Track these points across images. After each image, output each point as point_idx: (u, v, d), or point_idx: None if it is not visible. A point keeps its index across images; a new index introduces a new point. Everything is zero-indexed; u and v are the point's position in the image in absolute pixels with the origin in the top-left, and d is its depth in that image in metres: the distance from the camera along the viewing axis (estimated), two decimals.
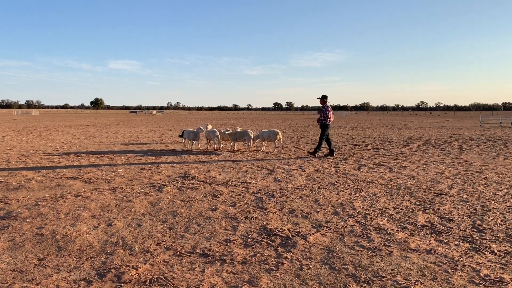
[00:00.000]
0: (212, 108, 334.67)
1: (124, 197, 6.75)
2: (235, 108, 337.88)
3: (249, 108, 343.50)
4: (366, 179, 8.37)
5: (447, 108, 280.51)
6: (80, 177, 8.51)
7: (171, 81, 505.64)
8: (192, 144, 14.28)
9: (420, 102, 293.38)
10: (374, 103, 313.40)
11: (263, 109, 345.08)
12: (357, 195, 6.91)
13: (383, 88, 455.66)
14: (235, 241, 4.64)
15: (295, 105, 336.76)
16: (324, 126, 12.25)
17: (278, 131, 13.48)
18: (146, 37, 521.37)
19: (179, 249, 4.42)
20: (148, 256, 4.24)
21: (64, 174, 8.91)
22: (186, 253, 4.30)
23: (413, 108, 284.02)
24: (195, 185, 7.77)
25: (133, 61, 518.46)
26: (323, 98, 12.43)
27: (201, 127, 13.81)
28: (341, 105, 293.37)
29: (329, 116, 12.32)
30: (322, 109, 12.34)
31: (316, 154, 12.33)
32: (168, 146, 15.42)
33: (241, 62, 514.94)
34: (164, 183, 7.92)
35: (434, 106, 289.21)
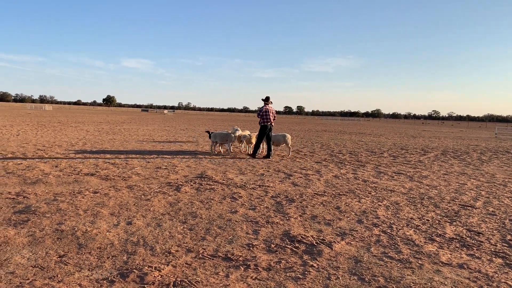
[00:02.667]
0: (222, 110, 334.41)
1: (142, 196, 6.66)
2: (245, 110, 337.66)
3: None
4: (387, 187, 8.19)
5: (459, 118, 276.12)
6: (97, 174, 8.46)
7: (182, 81, 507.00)
8: (221, 147, 13.75)
9: (433, 111, 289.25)
10: (385, 110, 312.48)
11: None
12: (380, 203, 6.74)
13: (395, 95, 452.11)
14: (258, 246, 4.52)
15: (306, 110, 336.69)
16: (261, 127, 12.74)
17: (288, 134, 13.29)
18: (159, 36, 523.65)
19: (201, 251, 4.31)
20: (170, 257, 4.14)
21: (81, 170, 8.87)
22: (208, 256, 4.19)
23: (425, 117, 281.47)
24: (212, 186, 7.66)
25: (146, 60, 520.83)
26: (265, 100, 12.91)
27: (236, 128, 13.66)
28: (352, 111, 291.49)
29: (266, 117, 12.62)
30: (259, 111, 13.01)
31: (256, 155, 12.78)
32: (182, 146, 15.36)
33: (252, 65, 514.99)
34: (181, 183, 7.82)
35: (447, 115, 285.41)
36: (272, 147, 13.26)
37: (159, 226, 5.12)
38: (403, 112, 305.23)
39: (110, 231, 4.86)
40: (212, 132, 13.11)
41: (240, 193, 7.11)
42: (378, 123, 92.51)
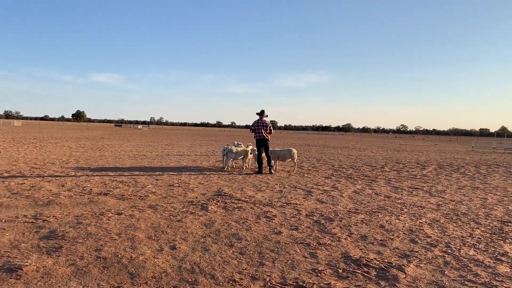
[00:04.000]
0: (195, 124, 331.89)
1: (171, 216, 6.23)
2: (219, 125, 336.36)
3: (233, 125, 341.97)
4: (414, 203, 7.98)
5: (426, 132, 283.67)
6: (110, 193, 7.95)
7: (154, 96, 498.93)
8: (232, 162, 13.31)
9: (401, 125, 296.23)
10: (355, 124, 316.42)
11: (247, 126, 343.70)
12: (419, 221, 6.51)
13: (365, 110, 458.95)
14: (325, 271, 4.18)
15: (279, 124, 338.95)
16: (255, 142, 12.53)
17: (293, 149, 13.08)
18: (130, 51, 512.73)
19: (267, 279, 3.94)
20: (237, 286, 3.75)
21: (91, 189, 8.33)
22: (279, 284, 3.82)
23: (393, 131, 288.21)
24: (238, 204, 7.28)
25: (116, 74, 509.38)
26: (260, 114, 12.74)
27: (239, 143, 13.42)
28: (324, 125, 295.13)
29: (258, 131, 12.42)
30: None
31: (263, 171, 12.45)
32: (180, 162, 14.86)
33: (225, 79, 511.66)
34: (204, 202, 7.41)
35: (414, 129, 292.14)
36: (274, 162, 12.97)
37: (207, 250, 4.72)
38: (372, 126, 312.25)
39: (157, 257, 4.43)
40: (228, 148, 12.76)
41: (272, 212, 6.75)
42: (352, 137, 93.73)
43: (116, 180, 9.60)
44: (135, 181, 9.63)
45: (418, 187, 10.38)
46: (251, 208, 7.04)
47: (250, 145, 13.80)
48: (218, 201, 7.57)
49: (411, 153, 26.99)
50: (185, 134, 60.16)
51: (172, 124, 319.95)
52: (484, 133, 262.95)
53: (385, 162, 18.12)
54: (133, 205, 6.94)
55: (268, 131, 12.56)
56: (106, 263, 4.21)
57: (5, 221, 5.69)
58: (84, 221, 5.76)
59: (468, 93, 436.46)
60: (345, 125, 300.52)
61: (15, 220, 5.76)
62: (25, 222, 5.67)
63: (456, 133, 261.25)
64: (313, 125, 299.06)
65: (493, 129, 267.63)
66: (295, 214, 6.66)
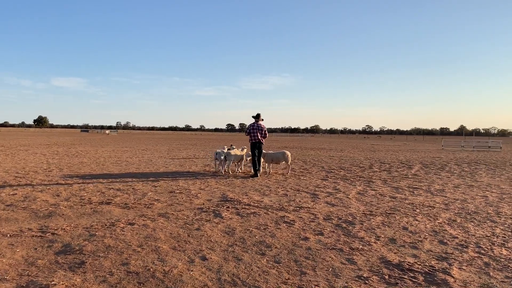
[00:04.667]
0: (164, 129, 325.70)
1: (187, 225, 5.94)
2: (187, 128, 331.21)
3: (202, 129, 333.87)
4: (423, 204, 7.97)
5: (391, 132, 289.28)
6: (112, 202, 7.56)
7: (119, 100, 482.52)
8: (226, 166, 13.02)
9: (366, 125, 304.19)
10: (323, 126, 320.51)
11: (216, 130, 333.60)
12: (437, 221, 6.47)
13: (331, 111, 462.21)
14: (371, 278, 4.03)
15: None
16: (250, 145, 12.43)
17: (287, 152, 12.95)
18: (91, 54, 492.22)
19: None
20: None
21: (90, 198, 7.91)
22: None
23: (359, 132, 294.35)
24: (251, 210, 7.06)
25: (78, 78, 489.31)
26: (256, 117, 12.63)
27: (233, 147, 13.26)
28: (293, 127, 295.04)
29: (253, 135, 12.31)
30: None
31: (259, 174, 12.18)
32: (167, 167, 14.46)
33: (191, 83, 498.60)
34: (214, 208, 7.15)
35: (379, 129, 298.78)
36: (268, 165, 12.84)
37: (240, 260, 4.49)
38: (339, 127, 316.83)
39: (191, 269, 4.17)
40: (227, 152, 12.54)
41: (288, 217, 6.57)
42: (323, 138, 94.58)
43: (112, 188, 9.18)
44: (132, 188, 9.23)
45: (417, 186, 10.44)
46: (265, 213, 6.83)
47: (245, 148, 13.57)
48: (228, 207, 7.32)
49: (387, 153, 27.37)
50: (157, 138, 59.13)
51: (140, 128, 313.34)
52: (444, 132, 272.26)
53: (370, 163, 18.25)
54: (141, 214, 6.61)
55: (263, 135, 12.38)
56: (139, 278, 3.92)
57: (10, 235, 5.27)
58: (97, 233, 5.41)
59: (427, 93, 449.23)
60: (313, 126, 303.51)
61: (20, 234, 5.35)
62: (33, 236, 5.27)
63: (418, 132, 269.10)
64: (281, 127, 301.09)
65: (452, 128, 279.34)
66: (312, 219, 6.50)
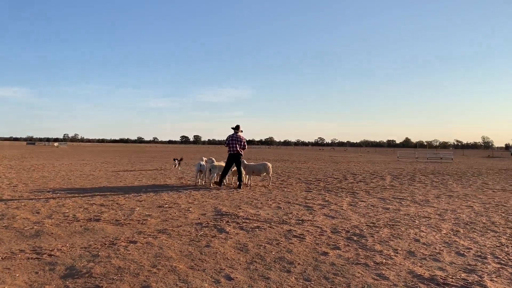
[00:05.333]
0: (115, 141, 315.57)
1: (194, 242, 5.59)
2: (140, 140, 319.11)
3: (155, 141, 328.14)
4: (418, 214, 8.01)
5: (342, 144, 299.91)
6: (102, 219, 7.04)
7: (66, 111, 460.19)
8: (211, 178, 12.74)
9: (318, 138, 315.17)
10: (277, 138, 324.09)
11: (170, 142, 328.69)
12: (442, 232, 6.48)
13: (284, 124, 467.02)
14: None
15: (203, 139, 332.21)
16: (228, 156, 12.34)
17: (268, 163, 12.78)
18: (38, 62, 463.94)
19: None
20: None
21: (75, 215, 7.34)
22: None
23: (312, 144, 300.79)
24: (253, 224, 6.78)
25: (23, 88, 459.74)
26: (235, 128, 12.51)
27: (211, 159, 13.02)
28: (248, 139, 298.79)
29: (232, 146, 12.19)
30: None
31: (242, 186, 12.08)
32: (140, 180, 13.85)
33: (144, 94, 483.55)
34: (214, 223, 6.81)
35: (330, 142, 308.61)
36: (248, 177, 12.59)
37: (268, 278, 4.22)
38: (293, 139, 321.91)
39: None
40: (212, 164, 12.32)
41: (295, 231, 6.35)
42: (280, 150, 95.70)
43: (94, 204, 8.59)
44: (116, 203, 8.68)
45: (401, 197, 10.55)
46: (269, 227, 6.58)
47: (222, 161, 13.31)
48: (228, 221, 7.00)
49: (350, 164, 27.80)
50: (112, 151, 57.10)
51: (89, 141, 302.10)
52: (391, 144, 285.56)
53: (343, 174, 18.40)
54: (138, 231, 6.17)
55: (242, 146, 12.17)
56: None
57: (1, 258, 4.71)
58: (99, 253, 4.95)
59: (373, 107, 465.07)
60: (267, 138, 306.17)
61: (13, 256, 4.80)
62: (28, 258, 4.75)
63: (367, 144, 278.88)
64: None
65: (398, 140, 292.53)
66: (320, 232, 6.32)
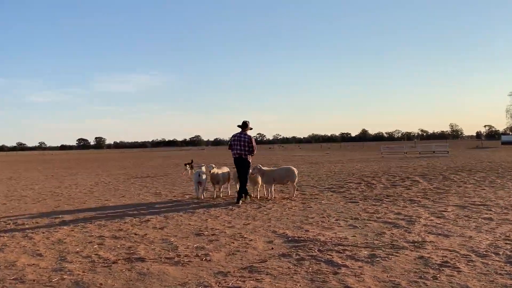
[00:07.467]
0: None
1: (317, 282, 3.83)
2: (20, 147, 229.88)
3: (41, 147, 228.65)
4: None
5: (287, 140, 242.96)
6: (146, 258, 5.12)
7: None
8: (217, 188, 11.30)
9: (258, 134, 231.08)
10: (205, 136, 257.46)
11: (63, 147, 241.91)
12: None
13: (212, 119, 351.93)
14: None
15: (107, 142, 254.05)
16: (234, 161, 10.25)
17: (293, 168, 10.59)
18: None
19: None
20: None
21: (106, 257, 5.34)
22: None
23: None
24: (356, 251, 5.15)
25: None
26: (242, 126, 10.20)
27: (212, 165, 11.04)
28: (167, 139, 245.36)
29: (235, 148, 10.03)
30: None
31: (241, 202, 9.84)
32: (124, 196, 11.57)
33: (22, 85, 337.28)
34: (305, 253, 5.10)
35: (272, 138, 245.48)
36: (272, 187, 10.49)
37: None
38: (224, 137, 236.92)
39: None
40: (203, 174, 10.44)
41: (431, 258, 4.79)
42: (215, 151, 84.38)
43: (114, 236, 6.48)
44: (134, 233, 6.63)
45: (479, 203, 8.67)
46: (389, 254, 4.94)
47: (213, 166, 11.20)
48: (320, 249, 5.29)
49: (338, 165, 24.96)
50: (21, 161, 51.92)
51: None
52: (346, 137, 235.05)
53: (358, 178, 15.75)
54: (219, 272, 4.34)
55: (248, 149, 9.92)
56: None
57: None
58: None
59: (325, 97, 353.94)
60: (193, 137, 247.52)
61: None
62: None
63: (317, 139, 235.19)
64: (152, 140, 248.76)
65: (353, 133, 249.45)
66: (464, 256, 4.78)
